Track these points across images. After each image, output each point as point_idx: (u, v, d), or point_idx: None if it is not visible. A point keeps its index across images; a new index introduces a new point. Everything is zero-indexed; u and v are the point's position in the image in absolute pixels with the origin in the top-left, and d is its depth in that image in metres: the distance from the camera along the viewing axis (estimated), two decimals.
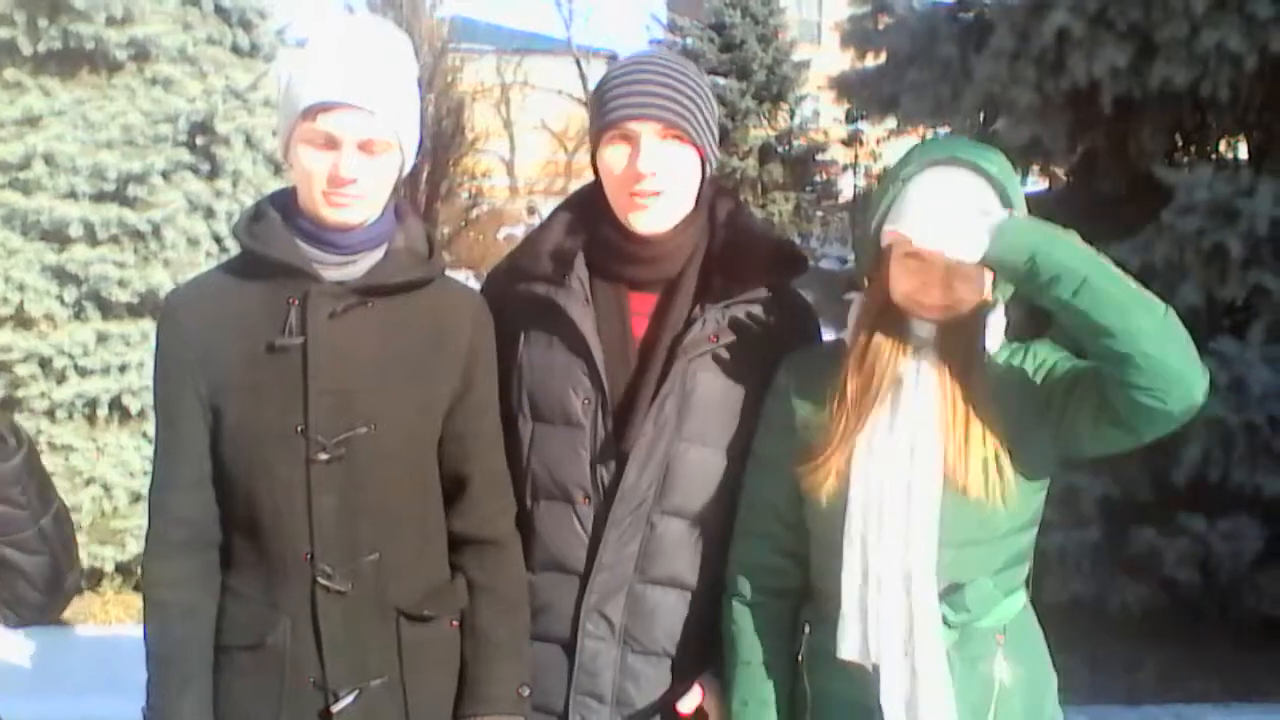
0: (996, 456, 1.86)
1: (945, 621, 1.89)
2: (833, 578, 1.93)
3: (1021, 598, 2.00)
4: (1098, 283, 1.73)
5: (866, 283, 1.99)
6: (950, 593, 1.89)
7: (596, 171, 2.15)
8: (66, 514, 2.02)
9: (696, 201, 2.15)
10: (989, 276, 1.89)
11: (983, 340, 1.91)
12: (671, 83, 2.07)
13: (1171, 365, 1.74)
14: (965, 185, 1.86)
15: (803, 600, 2.06)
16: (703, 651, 2.13)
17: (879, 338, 1.93)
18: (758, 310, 2.12)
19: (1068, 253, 1.76)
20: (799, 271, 2.21)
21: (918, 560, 1.86)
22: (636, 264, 2.12)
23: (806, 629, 2.03)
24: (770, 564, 2.05)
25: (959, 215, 1.81)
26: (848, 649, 1.91)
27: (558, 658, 2.12)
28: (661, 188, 2.06)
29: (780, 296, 2.16)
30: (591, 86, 2.20)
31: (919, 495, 1.86)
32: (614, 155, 2.08)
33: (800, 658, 2.03)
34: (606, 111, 2.07)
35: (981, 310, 1.91)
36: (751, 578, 2.07)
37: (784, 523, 2.03)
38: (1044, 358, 1.96)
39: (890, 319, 1.93)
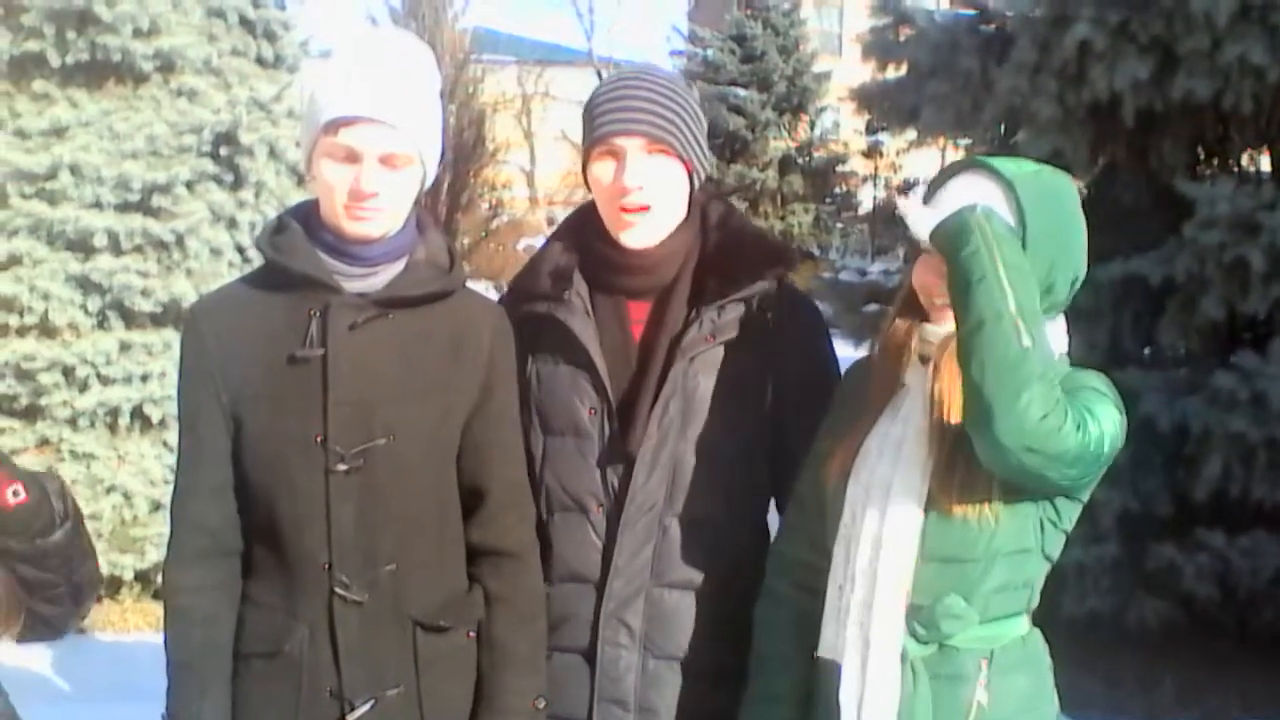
0: (984, 476, 1.83)
1: (917, 637, 1.89)
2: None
3: (1018, 626, 1.97)
4: (983, 289, 1.70)
5: (904, 285, 2.02)
6: (922, 608, 1.89)
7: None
8: (90, 547, 2.03)
9: (687, 210, 2.18)
10: None
11: None
12: (656, 98, 2.10)
13: (989, 392, 1.69)
14: (978, 185, 1.89)
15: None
16: (722, 655, 2.14)
17: (894, 338, 1.97)
18: (753, 307, 2.15)
19: (986, 249, 1.72)
20: (791, 266, 2.24)
21: (886, 563, 1.87)
22: (631, 274, 2.16)
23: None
24: (806, 559, 2.07)
25: (949, 203, 1.85)
26: (823, 646, 1.95)
27: (579, 667, 2.14)
28: (648, 201, 2.10)
29: (775, 291, 2.18)
30: None
31: (896, 500, 1.88)
32: (602, 170, 2.12)
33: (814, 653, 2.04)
34: (594, 128, 2.11)
35: None
36: (789, 573, 2.09)
37: (820, 517, 2.04)
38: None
39: (907, 324, 1.97)
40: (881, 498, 1.89)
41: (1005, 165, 1.90)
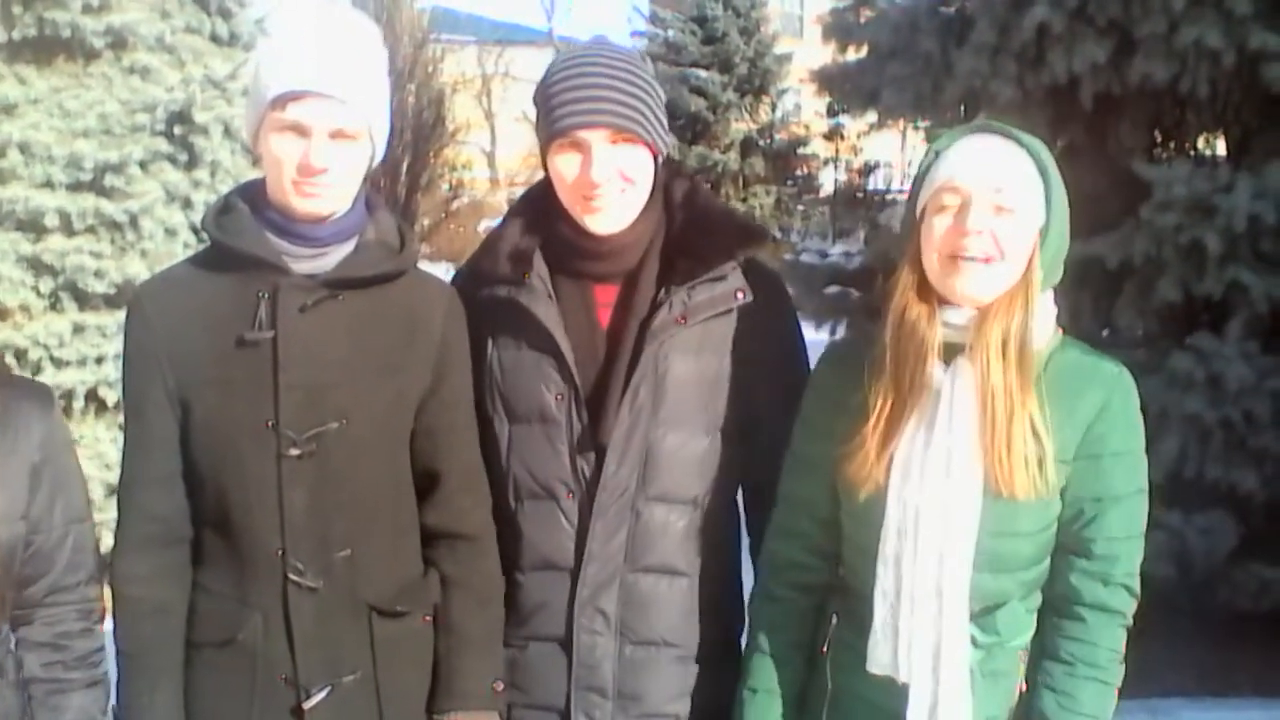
0: (1040, 450, 1.80)
1: (974, 642, 1.88)
2: (863, 580, 1.91)
3: (1036, 618, 1.96)
4: None
5: (902, 272, 1.88)
6: (983, 614, 1.88)
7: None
8: None
9: (650, 190, 2.13)
10: (1033, 238, 1.82)
11: (1029, 324, 1.81)
12: (617, 83, 2.03)
13: None
14: (1002, 144, 1.85)
15: (830, 591, 2.05)
16: (700, 638, 2.13)
17: (908, 332, 1.84)
18: (723, 287, 2.10)
19: None
20: (760, 244, 2.19)
21: (950, 580, 1.83)
22: (597, 259, 2.11)
23: (834, 620, 2.02)
24: (801, 561, 2.05)
25: (1004, 155, 1.82)
26: (878, 664, 1.90)
27: (556, 655, 2.12)
28: (615, 191, 2.05)
29: (745, 270, 2.14)
30: None
31: (955, 516, 1.82)
32: (566, 164, 2.05)
33: (825, 648, 2.02)
34: (554, 119, 2.03)
35: (1026, 289, 1.82)
36: (782, 573, 2.07)
37: (819, 522, 2.01)
38: (1104, 436, 1.87)
39: (921, 309, 1.84)
40: (938, 515, 1.82)
41: (1021, 134, 1.86)
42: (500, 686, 2.09)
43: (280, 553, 1.92)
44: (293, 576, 1.93)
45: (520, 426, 2.11)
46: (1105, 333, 5.61)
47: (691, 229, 2.13)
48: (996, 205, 1.80)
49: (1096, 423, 1.86)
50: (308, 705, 1.94)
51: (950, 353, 1.85)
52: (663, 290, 2.09)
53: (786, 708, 2.04)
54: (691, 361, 2.09)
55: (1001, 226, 1.80)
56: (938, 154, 1.87)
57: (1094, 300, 5.51)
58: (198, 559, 2.00)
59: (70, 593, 1.96)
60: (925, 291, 1.85)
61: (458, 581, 2.07)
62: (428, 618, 2.06)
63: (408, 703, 2.04)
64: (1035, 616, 1.95)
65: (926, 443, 1.84)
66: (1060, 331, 1.95)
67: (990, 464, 1.81)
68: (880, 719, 1.92)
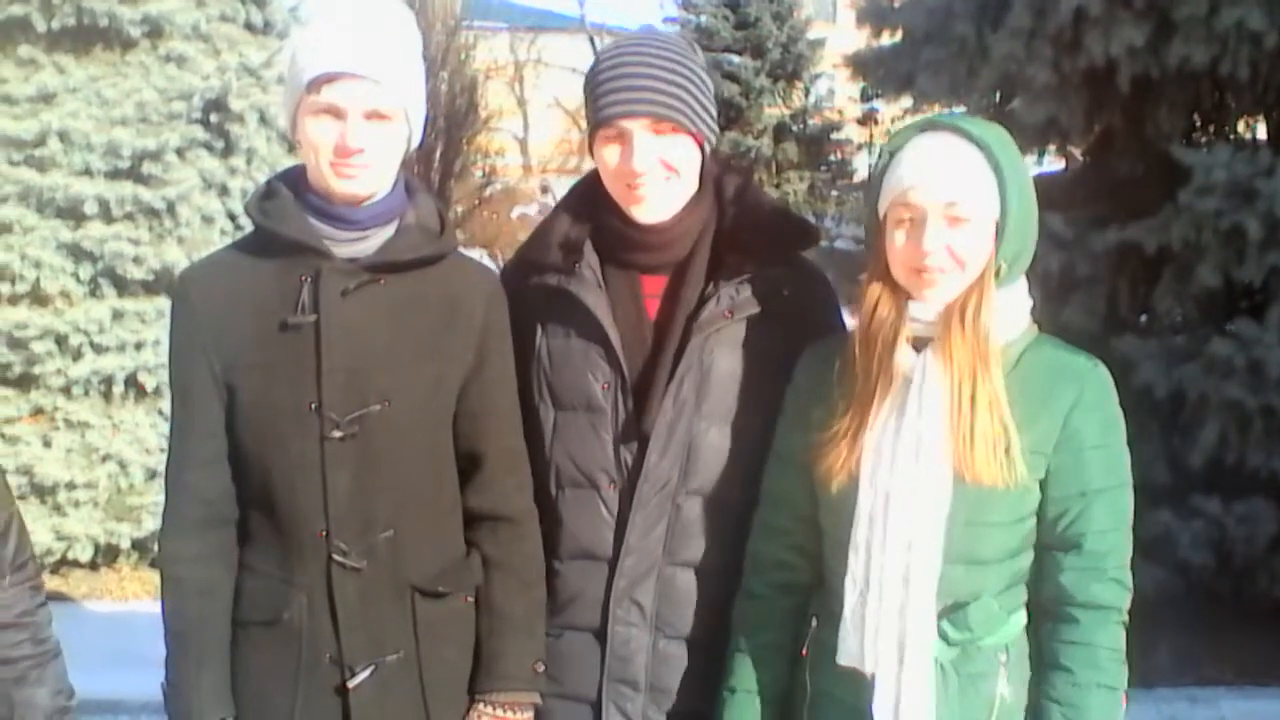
0: (1007, 439, 1.80)
1: (946, 639, 1.87)
2: (840, 577, 1.91)
3: (1023, 618, 1.95)
4: None
5: (872, 280, 1.92)
6: (953, 610, 1.87)
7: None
8: None
9: (700, 181, 2.13)
10: (990, 236, 1.83)
11: (989, 316, 1.82)
12: (660, 73, 2.03)
13: None
14: (949, 146, 1.84)
15: (812, 592, 2.05)
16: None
17: (877, 326, 1.88)
18: (772, 284, 2.10)
19: None
20: (810, 243, 2.21)
21: (918, 568, 1.83)
22: (645, 250, 2.12)
23: (814, 622, 2.01)
24: (783, 559, 2.04)
25: (954, 159, 1.81)
26: (846, 655, 1.89)
27: (589, 645, 2.13)
28: (659, 179, 2.05)
29: (793, 268, 2.15)
30: None
31: (925, 502, 1.82)
32: (609, 153, 2.07)
33: (805, 650, 2.02)
34: (598, 108, 2.05)
35: (983, 285, 1.83)
36: (763, 573, 2.06)
37: (800, 519, 2.01)
38: (1081, 430, 1.87)
39: (890, 304, 1.87)
40: (907, 501, 1.83)
41: (972, 127, 1.85)
42: (541, 668, 2.09)
43: (324, 534, 1.94)
44: (336, 557, 1.94)
45: (566, 414, 2.12)
46: (1144, 319, 5.56)
47: (743, 225, 2.13)
48: (950, 217, 1.81)
49: (1072, 416, 1.86)
50: (352, 684, 1.96)
51: (921, 344, 1.87)
52: (711, 284, 2.09)
53: (766, 708, 2.04)
54: (736, 356, 2.09)
55: (957, 237, 1.82)
56: (891, 155, 1.88)
57: (1132, 286, 5.46)
58: (244, 540, 2.02)
59: (24, 570, 2.02)
60: (894, 289, 1.89)
61: (499, 563, 2.08)
62: (470, 599, 2.07)
63: (450, 683, 2.06)
64: (1013, 617, 1.93)
65: (897, 428, 1.85)
66: (1036, 328, 1.95)
67: (956, 448, 1.81)
68: (854, 718, 1.90)
